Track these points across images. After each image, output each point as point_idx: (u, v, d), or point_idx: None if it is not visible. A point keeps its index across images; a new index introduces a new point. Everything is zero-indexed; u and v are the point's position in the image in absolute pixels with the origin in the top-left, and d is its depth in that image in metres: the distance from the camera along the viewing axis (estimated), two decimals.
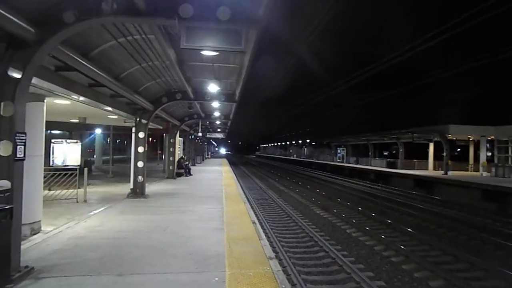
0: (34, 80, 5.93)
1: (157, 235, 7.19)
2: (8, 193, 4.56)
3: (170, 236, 7.14)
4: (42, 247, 6.13)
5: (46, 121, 7.73)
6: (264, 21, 4.64)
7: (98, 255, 5.76)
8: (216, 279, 4.79)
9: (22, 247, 5.20)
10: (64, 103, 9.40)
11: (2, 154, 4.53)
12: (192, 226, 8.08)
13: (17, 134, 4.64)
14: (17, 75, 4.55)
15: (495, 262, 8.50)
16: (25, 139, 4.79)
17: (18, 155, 4.67)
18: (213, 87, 10.92)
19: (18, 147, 4.67)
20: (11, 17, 4.09)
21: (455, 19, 14.63)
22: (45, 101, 7.48)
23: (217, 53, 6.61)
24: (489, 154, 28.85)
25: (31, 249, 5.96)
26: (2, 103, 4.50)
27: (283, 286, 4.62)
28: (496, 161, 24.79)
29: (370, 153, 39.91)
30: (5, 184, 4.55)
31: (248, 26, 4.85)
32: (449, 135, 27.00)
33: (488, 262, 8.33)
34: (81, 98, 8.71)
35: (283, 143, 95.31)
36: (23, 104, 4.77)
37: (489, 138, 27.05)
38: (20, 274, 4.60)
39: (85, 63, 6.60)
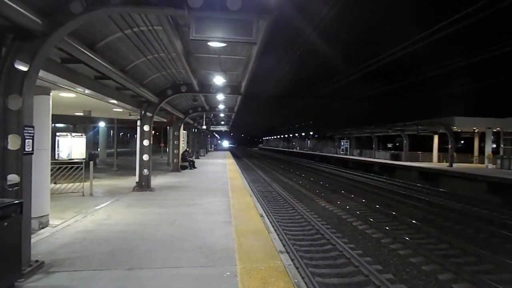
0: (40, 73, 5.84)
1: (165, 228, 7.16)
2: (17, 187, 4.53)
3: (178, 229, 7.12)
4: (51, 241, 6.12)
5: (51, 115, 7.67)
6: (276, 10, 4.50)
7: (107, 248, 5.74)
8: (228, 273, 4.76)
9: (31, 241, 5.18)
10: (69, 96, 9.33)
11: (10, 148, 4.48)
12: (199, 219, 8.05)
13: (25, 128, 4.58)
14: (24, 67, 4.47)
15: (504, 255, 8.45)
16: (33, 133, 4.73)
17: (26, 149, 4.61)
18: (218, 79, 10.80)
19: (27, 140, 4.61)
20: (17, 7, 3.99)
21: (464, 11, 14.38)
22: (51, 94, 7.40)
23: (225, 44, 6.48)
24: (494, 146, 28.69)
25: (40, 243, 5.94)
26: (9, 96, 4.44)
27: (296, 280, 4.57)
28: (501, 153, 24.61)
29: (374, 145, 39.75)
30: (14, 178, 4.51)
31: (259, 16, 4.72)
32: (454, 127, 26.82)
33: (496, 255, 8.29)
34: (87, 91, 8.62)
35: (286, 136, 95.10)
36: (31, 97, 4.70)
37: (494, 130, 26.86)
38: (31, 269, 4.58)
39: (91, 55, 6.51)
